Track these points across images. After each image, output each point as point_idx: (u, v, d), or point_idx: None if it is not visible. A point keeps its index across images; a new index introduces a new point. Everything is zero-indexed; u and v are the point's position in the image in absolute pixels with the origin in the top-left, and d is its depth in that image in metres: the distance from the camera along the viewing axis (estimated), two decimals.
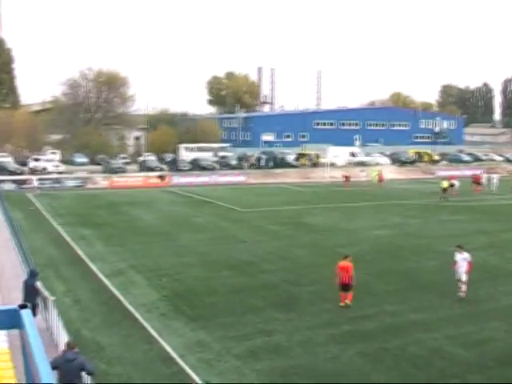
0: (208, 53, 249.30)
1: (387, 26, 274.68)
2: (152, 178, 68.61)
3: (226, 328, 19.85)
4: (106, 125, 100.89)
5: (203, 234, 37.25)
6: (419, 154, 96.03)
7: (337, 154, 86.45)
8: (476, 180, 63.08)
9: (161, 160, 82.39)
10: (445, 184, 55.30)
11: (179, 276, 26.62)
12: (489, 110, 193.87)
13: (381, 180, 67.07)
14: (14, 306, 5.75)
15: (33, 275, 19.56)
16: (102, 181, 66.98)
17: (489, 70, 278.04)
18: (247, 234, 37.44)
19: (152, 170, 74.42)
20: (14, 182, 62.62)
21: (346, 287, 21.83)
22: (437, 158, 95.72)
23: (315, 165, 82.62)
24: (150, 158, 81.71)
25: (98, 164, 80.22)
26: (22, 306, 5.71)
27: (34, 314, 19.26)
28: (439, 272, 27.36)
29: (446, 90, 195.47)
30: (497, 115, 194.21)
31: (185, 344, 18.53)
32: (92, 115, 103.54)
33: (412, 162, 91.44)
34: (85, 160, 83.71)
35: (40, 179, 64.31)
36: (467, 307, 22.19)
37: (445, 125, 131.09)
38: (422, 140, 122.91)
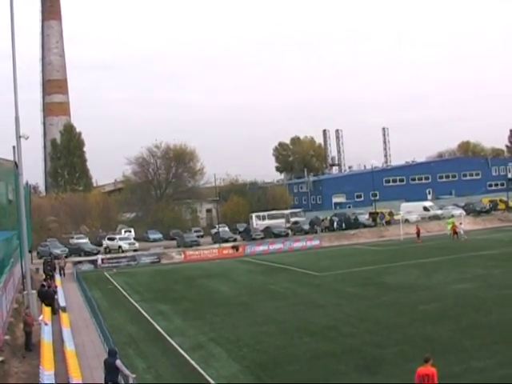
0: (272, 119, 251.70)
1: (445, 73, 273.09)
2: (226, 248, 69.01)
3: None
4: (177, 199, 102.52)
5: (280, 301, 36.94)
6: (494, 202, 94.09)
7: (410, 210, 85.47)
8: None
9: (234, 230, 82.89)
10: None
11: (259, 346, 26.30)
12: None
13: (455, 232, 65.63)
14: None
15: (112, 354, 19.65)
16: (176, 255, 67.69)
17: None
18: (325, 297, 36.99)
19: (226, 240, 74.92)
20: (90, 262, 63.79)
21: None
22: None
23: (389, 223, 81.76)
24: (223, 229, 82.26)
25: (172, 239, 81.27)
26: None
27: None
28: None
29: None
30: None
31: None
32: (163, 191, 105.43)
33: (487, 211, 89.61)
34: (159, 236, 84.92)
35: (116, 258, 65.45)
36: None
37: None
38: (495, 188, 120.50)
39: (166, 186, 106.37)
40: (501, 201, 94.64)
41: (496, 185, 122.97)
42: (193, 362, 24.13)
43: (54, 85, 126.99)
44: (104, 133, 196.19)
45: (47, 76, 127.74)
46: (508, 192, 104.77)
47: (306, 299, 36.97)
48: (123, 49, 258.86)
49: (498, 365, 20.92)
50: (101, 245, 74.38)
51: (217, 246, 71.87)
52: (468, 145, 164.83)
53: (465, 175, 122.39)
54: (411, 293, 36.14)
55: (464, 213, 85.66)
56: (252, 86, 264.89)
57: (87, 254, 69.03)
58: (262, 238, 76.70)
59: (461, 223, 68.62)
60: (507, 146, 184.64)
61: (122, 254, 68.49)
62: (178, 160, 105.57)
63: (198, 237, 79.82)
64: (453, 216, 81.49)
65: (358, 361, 22.72)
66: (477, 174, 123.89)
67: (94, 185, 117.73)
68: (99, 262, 63.13)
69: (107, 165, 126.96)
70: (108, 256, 67.26)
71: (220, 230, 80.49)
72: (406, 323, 28.20)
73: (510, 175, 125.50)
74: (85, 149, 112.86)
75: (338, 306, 33.78)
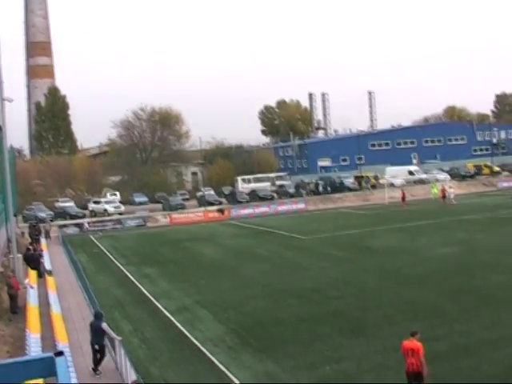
0: (258, 82, 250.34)
1: (432, 39, 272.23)
2: (212, 212, 69.07)
3: (294, 357, 19.63)
4: (162, 163, 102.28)
5: (266, 264, 37.16)
6: (479, 167, 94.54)
7: (395, 174, 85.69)
8: None
9: (219, 193, 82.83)
10: None
11: (244, 308, 26.52)
12: None
13: (444, 196, 65.90)
14: (51, 353, 5.73)
15: (98, 317, 19.81)
16: (162, 218, 67.73)
17: None
18: (310, 261, 37.22)
19: (211, 204, 74.85)
20: (76, 225, 63.71)
21: (414, 377, 15.36)
22: (497, 169, 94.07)
23: (374, 186, 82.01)
24: (209, 193, 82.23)
25: (158, 202, 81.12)
26: (58, 354, 5.68)
27: (103, 355, 19.45)
28: (509, 287, 26.69)
29: (501, 99, 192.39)
30: None
31: (254, 376, 18.36)
32: (148, 154, 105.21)
33: (472, 176, 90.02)
34: (144, 199, 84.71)
35: (102, 221, 65.41)
36: None
37: (503, 135, 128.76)
38: (480, 153, 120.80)
39: (151, 149, 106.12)
40: (485, 166, 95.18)
41: (481, 150, 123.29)
42: (178, 325, 24.33)
43: (37, 47, 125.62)
44: (89, 96, 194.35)
45: (31, 38, 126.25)
46: (492, 157, 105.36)
47: (292, 262, 37.18)
48: (108, 11, 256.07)
49: (480, 328, 21.19)
50: (86, 208, 74.16)
51: (202, 209, 71.84)
52: (453, 110, 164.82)
53: (450, 140, 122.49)
54: (395, 257, 36.43)
55: (449, 177, 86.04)
56: (238, 49, 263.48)
57: (73, 217, 68.88)
58: (247, 202, 76.74)
59: (451, 187, 68.84)
60: (493, 112, 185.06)
61: (108, 218, 68.36)
62: (164, 123, 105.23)
63: (183, 200, 79.74)
64: (437, 180, 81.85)
65: (342, 323, 22.95)
66: (462, 139, 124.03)
67: (79, 148, 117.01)
68: (86, 225, 63.04)
69: (92, 128, 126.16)
70: (94, 219, 67.12)
71: (206, 193, 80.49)
72: (389, 287, 28.48)
73: (494, 140, 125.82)
74: (69, 112, 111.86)
75: (323, 269, 34.00)
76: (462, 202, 63.68)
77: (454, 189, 68.67)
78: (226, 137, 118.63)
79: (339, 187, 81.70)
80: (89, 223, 63.87)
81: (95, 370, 19.22)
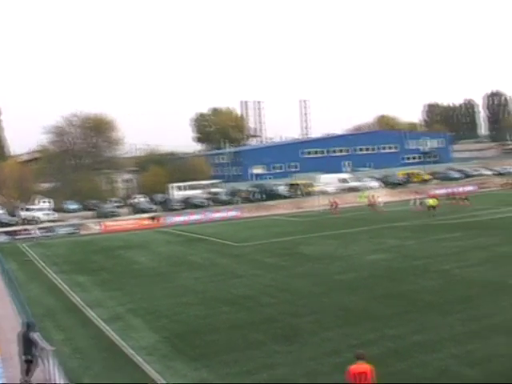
0: (191, 89, 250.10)
1: (365, 48, 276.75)
2: (145, 219, 68.64)
3: (228, 365, 19.65)
4: (95, 170, 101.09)
5: (200, 271, 37.12)
6: (409, 175, 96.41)
7: (328, 182, 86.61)
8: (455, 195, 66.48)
9: (152, 201, 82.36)
10: (431, 202, 56.06)
11: (178, 316, 26.43)
12: (474, 125, 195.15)
13: (371, 204, 66.96)
14: None
15: (29, 327, 19.39)
16: (95, 226, 66.96)
17: (470, 85, 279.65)
18: (244, 268, 37.31)
19: (144, 211, 74.34)
20: (6, 233, 62.47)
21: None
22: (427, 177, 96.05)
23: (307, 194, 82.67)
24: (142, 200, 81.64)
25: (91, 209, 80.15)
26: None
27: (34, 366, 19.05)
28: (438, 292, 27.32)
29: (431, 109, 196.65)
30: (482, 130, 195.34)
31: None
32: (81, 161, 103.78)
33: (403, 184, 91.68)
34: (77, 206, 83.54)
35: (33, 228, 64.31)
36: (469, 325, 22.04)
37: (432, 144, 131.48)
38: (411, 161, 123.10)
39: (84, 155, 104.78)
40: (416, 174, 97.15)
41: (412, 158, 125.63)
42: (112, 333, 24.10)
43: None
44: (20, 102, 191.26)
45: None
46: (423, 165, 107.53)
47: (225, 270, 37.22)
48: (41, 13, 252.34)
49: (410, 332, 21.58)
50: (16, 216, 72.72)
51: (135, 216, 71.36)
52: (385, 118, 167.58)
53: (382, 148, 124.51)
54: (328, 263, 36.82)
55: (381, 185, 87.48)
56: (172, 55, 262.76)
57: (4, 225, 67.51)
58: (181, 209, 76.53)
59: (378, 196, 69.99)
60: (425, 121, 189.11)
61: (40, 225, 67.21)
62: (97, 129, 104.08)
63: (116, 207, 79.07)
64: (371, 188, 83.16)
65: (276, 330, 23.08)
66: (393, 148, 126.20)
67: (10, 154, 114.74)
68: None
69: (27, 135, 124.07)
70: (25, 227, 65.88)
71: (139, 200, 79.71)
72: (322, 293, 28.77)
73: (424, 148, 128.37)
74: (1, 117, 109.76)
75: (257, 277, 34.15)
76: (393, 210, 64.69)
77: (380, 198, 69.82)
78: (160, 144, 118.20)
79: (273, 195, 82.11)
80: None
81: (26, 381, 18.85)
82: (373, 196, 69.45)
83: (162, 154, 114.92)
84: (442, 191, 73.33)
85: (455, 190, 72.09)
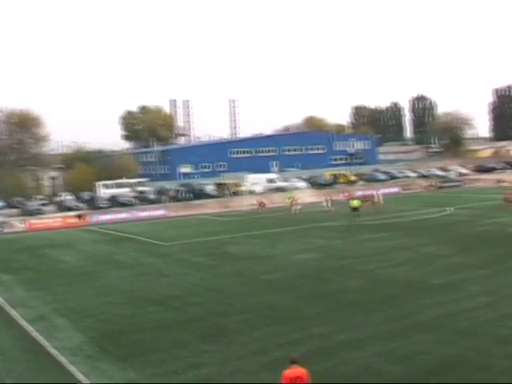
0: (120, 87, 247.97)
1: (293, 50, 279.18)
2: (71, 217, 67.62)
3: (155, 365, 19.56)
4: (20, 166, 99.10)
5: (126, 270, 36.83)
6: (336, 176, 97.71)
7: (255, 182, 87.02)
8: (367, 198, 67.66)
9: (79, 199, 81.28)
10: (355, 203, 56.63)
11: (104, 316, 26.15)
12: (400, 128, 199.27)
13: (294, 205, 67.43)
14: None
15: None
16: (19, 224, 65.58)
17: (397, 89, 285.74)
18: (171, 267, 37.19)
19: (70, 209, 73.30)
20: None
21: None
22: (353, 178, 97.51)
23: (235, 193, 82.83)
24: (68, 198, 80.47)
25: (15, 207, 78.56)
26: None
27: None
28: (363, 291, 27.78)
29: (358, 111, 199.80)
30: (408, 133, 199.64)
31: None
32: (5, 158, 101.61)
33: (330, 184, 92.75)
34: (1, 204, 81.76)
35: None
36: (393, 323, 22.47)
37: (359, 145, 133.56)
38: (338, 162, 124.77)
39: (8, 152, 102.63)
40: (342, 175, 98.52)
41: (339, 159, 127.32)
42: (36, 334, 23.69)
43: None
44: None
45: None
46: (349, 166, 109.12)
47: (152, 269, 37.03)
48: None
49: (336, 331, 21.88)
50: None
51: (61, 214, 70.27)
52: (313, 119, 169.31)
53: (309, 149, 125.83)
54: (255, 262, 37.02)
55: (308, 185, 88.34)
56: (101, 52, 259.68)
57: None
58: (107, 207, 75.75)
59: (298, 199, 70.54)
60: (353, 123, 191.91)
61: None
62: (22, 125, 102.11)
63: (41, 205, 77.72)
64: (297, 188, 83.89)
65: (203, 329, 23.08)
66: (321, 149, 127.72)
67: None
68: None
69: None
70: None
71: (65, 198, 78.52)
72: (249, 292, 28.92)
73: (351, 150, 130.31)
74: None
75: (184, 276, 34.10)
76: (320, 210, 65.26)
77: (300, 200, 70.28)
78: (87, 141, 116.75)
79: (200, 194, 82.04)
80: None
81: None
82: (294, 198, 69.84)
83: (90, 152, 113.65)
84: (359, 193, 74.40)
85: (369, 192, 73.36)
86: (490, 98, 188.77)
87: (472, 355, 18.84)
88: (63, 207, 74.50)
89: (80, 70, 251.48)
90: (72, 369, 19.44)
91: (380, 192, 70.90)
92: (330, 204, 65.04)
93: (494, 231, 44.63)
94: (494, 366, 17.90)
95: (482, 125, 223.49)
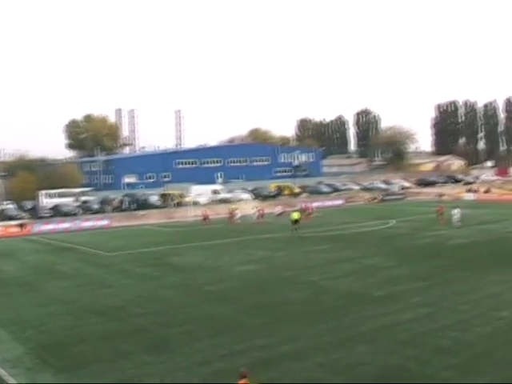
0: (65, 95, 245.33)
1: (240, 62, 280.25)
2: (12, 226, 66.56)
3: (96, 376, 19.41)
4: None
5: (68, 281, 36.44)
6: (281, 188, 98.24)
7: (200, 193, 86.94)
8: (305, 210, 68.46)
9: (20, 208, 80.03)
10: (295, 215, 56.69)
11: (45, 327, 25.84)
12: (344, 141, 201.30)
13: (232, 217, 67.75)
14: None
15: None
16: None
17: (342, 103, 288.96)
18: (114, 278, 36.95)
19: (12, 218, 72.10)
20: None
21: None
22: (297, 190, 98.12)
23: (179, 204, 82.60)
24: (10, 207, 79.19)
25: None
26: None
27: None
28: (306, 302, 28.06)
29: (303, 124, 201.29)
30: (352, 146, 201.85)
31: None
32: None
33: (274, 196, 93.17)
34: None
35: None
36: (335, 334, 22.73)
37: (304, 158, 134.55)
38: (282, 174, 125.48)
39: None
40: (287, 187, 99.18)
41: (284, 171, 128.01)
42: None
43: None
44: None
45: None
46: (294, 178, 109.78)
47: (95, 279, 36.72)
48: None
49: (279, 342, 22.03)
50: None
51: (2, 223, 69.09)
52: (258, 131, 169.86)
53: (254, 161, 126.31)
54: (198, 274, 37.03)
55: (252, 197, 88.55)
56: (45, 57, 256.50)
57: None
58: (50, 217, 74.74)
59: (237, 209, 71.02)
60: (298, 136, 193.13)
61: None
62: None
63: None
64: (242, 200, 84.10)
65: (146, 340, 23.01)
66: (265, 160, 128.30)
67: None
68: None
69: None
70: None
71: (6, 207, 77.22)
72: (192, 303, 28.93)
73: (296, 162, 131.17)
74: None
75: (127, 287, 33.92)
76: (264, 221, 65.55)
77: (239, 210, 70.85)
78: (30, 149, 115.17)
79: (144, 204, 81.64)
80: None
81: None
82: (233, 209, 70.32)
83: (32, 160, 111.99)
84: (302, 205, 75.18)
85: (304, 204, 74.38)
86: (432, 113, 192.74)
87: (412, 365, 19.23)
88: (4, 216, 73.25)
89: (23, 76, 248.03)
90: (12, 381, 19.21)
91: (313, 205, 72.42)
92: (256, 215, 67.39)
93: (434, 244, 45.52)
94: (434, 376, 18.29)
95: (424, 139, 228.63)
